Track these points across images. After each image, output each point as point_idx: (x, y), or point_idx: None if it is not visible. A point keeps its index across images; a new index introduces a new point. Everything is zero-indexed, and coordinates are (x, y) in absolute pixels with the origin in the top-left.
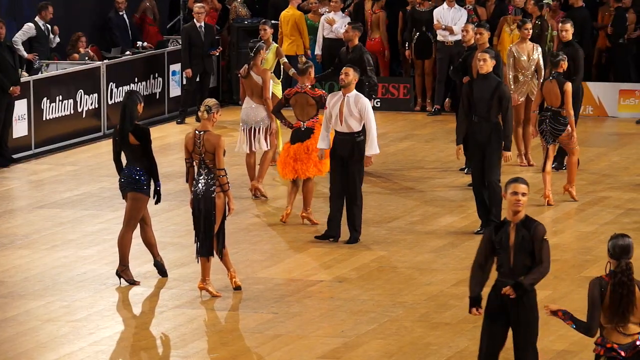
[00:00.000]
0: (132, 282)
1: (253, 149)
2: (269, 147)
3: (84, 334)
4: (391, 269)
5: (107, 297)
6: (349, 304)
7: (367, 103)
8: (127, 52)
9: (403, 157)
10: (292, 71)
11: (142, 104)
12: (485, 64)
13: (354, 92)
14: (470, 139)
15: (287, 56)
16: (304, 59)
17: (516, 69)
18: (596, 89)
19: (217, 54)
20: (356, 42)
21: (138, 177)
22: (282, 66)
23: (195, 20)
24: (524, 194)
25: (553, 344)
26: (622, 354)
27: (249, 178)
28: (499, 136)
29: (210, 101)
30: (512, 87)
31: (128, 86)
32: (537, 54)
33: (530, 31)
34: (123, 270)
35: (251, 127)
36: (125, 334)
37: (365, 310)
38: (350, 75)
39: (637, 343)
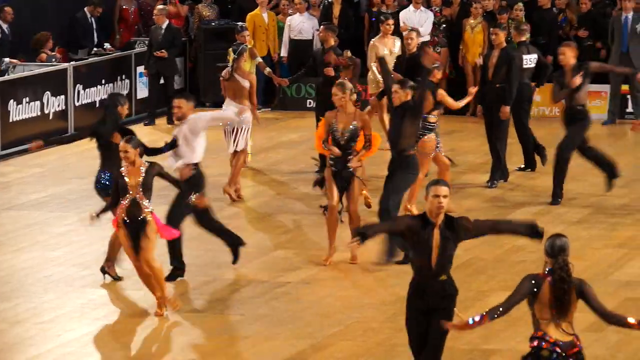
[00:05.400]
0: (116, 279)
1: (237, 149)
2: (245, 146)
3: (51, 336)
4: (359, 270)
5: (74, 299)
6: (316, 305)
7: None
8: (94, 51)
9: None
10: (267, 70)
11: (126, 106)
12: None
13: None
14: None
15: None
16: (349, 53)
17: None
18: None
19: (162, 55)
20: (332, 42)
21: None
22: (257, 66)
23: (156, 21)
24: (445, 197)
25: (519, 345)
26: (563, 351)
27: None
28: None
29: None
30: (373, 78)
31: (95, 88)
32: (397, 48)
33: (392, 27)
34: (109, 267)
35: (234, 127)
36: (93, 336)
37: (332, 311)
38: (183, 107)
39: (576, 342)
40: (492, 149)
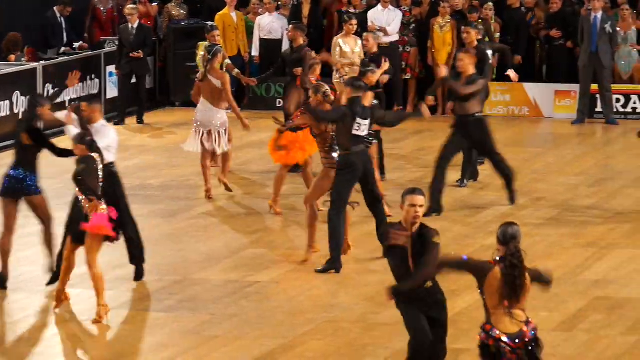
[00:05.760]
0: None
1: (216, 151)
2: (229, 147)
3: (21, 335)
4: None
5: (43, 298)
6: (286, 305)
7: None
8: (62, 49)
9: None
10: (235, 71)
11: (46, 107)
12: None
13: (101, 122)
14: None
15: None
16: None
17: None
18: (532, 90)
19: (138, 56)
20: (300, 41)
21: (27, 181)
22: (225, 67)
23: (129, 21)
24: (421, 206)
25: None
26: (511, 343)
27: (204, 179)
28: None
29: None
30: (336, 75)
31: (65, 87)
32: (359, 47)
33: (355, 27)
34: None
35: (209, 130)
36: (62, 336)
37: (302, 311)
38: (86, 110)
39: (526, 332)
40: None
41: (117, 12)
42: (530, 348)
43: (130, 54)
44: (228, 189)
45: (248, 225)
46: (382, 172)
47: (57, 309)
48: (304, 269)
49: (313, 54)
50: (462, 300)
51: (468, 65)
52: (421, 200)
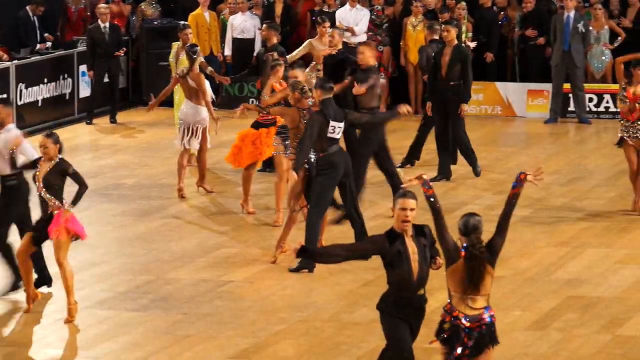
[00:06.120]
0: None
1: (187, 146)
2: (200, 145)
3: None
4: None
5: (18, 297)
6: (259, 304)
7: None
8: (38, 47)
9: None
10: (209, 69)
11: None
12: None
13: (10, 125)
14: None
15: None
16: (275, 55)
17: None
18: (505, 89)
19: (121, 54)
20: (274, 41)
21: None
22: (199, 65)
23: (99, 21)
24: (412, 209)
25: None
26: (467, 324)
27: (178, 177)
28: None
29: (298, 84)
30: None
31: (38, 87)
32: None
33: (327, 29)
34: None
35: (189, 126)
36: (35, 336)
37: (275, 310)
38: (1, 112)
39: (483, 316)
40: (442, 147)
41: (90, 12)
42: (483, 333)
43: (115, 53)
44: (209, 192)
45: (221, 225)
46: None
47: (30, 310)
48: (277, 268)
49: (275, 55)
50: (435, 299)
51: (368, 57)
52: (412, 203)
